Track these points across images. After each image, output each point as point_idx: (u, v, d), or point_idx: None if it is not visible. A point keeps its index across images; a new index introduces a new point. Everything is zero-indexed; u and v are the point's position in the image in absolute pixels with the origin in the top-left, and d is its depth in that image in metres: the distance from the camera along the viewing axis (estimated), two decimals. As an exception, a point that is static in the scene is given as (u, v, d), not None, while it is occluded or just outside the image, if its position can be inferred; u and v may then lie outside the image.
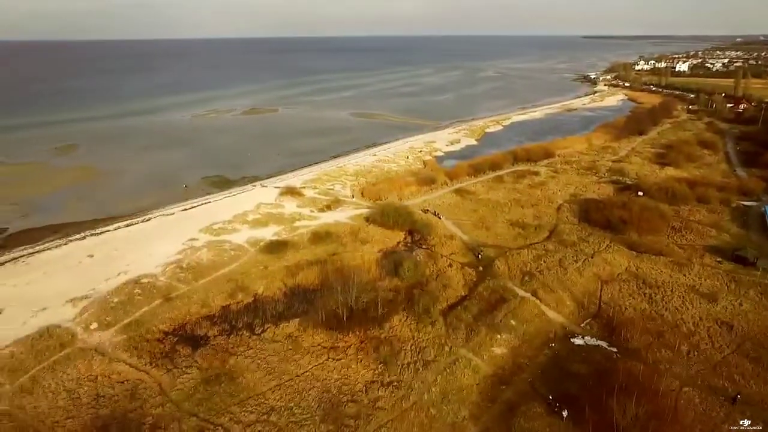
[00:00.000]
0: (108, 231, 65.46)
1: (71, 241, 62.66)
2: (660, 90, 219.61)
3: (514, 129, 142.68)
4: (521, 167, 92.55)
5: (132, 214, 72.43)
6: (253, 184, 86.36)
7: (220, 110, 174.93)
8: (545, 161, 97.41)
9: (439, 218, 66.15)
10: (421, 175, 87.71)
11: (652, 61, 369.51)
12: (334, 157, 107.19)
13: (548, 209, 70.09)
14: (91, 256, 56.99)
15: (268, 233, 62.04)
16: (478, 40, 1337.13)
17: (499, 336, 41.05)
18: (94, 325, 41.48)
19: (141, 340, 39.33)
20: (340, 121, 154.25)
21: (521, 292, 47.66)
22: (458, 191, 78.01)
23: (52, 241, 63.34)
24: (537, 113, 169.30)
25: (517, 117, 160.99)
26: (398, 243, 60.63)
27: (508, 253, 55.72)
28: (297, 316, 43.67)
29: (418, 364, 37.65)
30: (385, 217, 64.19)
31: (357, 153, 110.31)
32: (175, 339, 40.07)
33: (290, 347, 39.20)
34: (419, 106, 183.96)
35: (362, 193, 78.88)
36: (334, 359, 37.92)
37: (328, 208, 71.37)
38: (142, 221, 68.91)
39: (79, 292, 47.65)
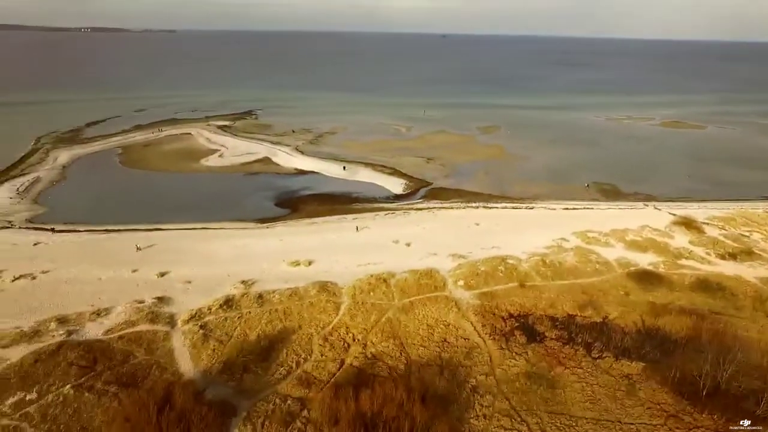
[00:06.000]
0: (496, 207, 74.59)
1: (468, 206, 74.91)
2: None
3: None
4: None
5: (520, 198, 79.65)
6: (646, 203, 78.64)
7: (636, 117, 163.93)
8: None
9: None
10: None
11: None
12: (766, 198, 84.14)
13: None
14: (478, 224, 66.56)
15: (643, 260, 56.10)
16: None
17: None
18: (461, 282, 49.15)
19: (489, 312, 44.11)
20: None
21: None
22: None
23: (455, 202, 77.53)
24: None
25: None
26: (829, 337, 43.54)
27: None
28: (644, 360, 38.71)
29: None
30: (820, 296, 46.86)
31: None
32: (516, 324, 42.90)
33: (623, 389, 35.55)
34: None
35: (794, 254, 59.55)
36: (671, 431, 32.15)
37: (732, 257, 57.72)
38: (526, 208, 74.76)
39: (459, 250, 57.04)
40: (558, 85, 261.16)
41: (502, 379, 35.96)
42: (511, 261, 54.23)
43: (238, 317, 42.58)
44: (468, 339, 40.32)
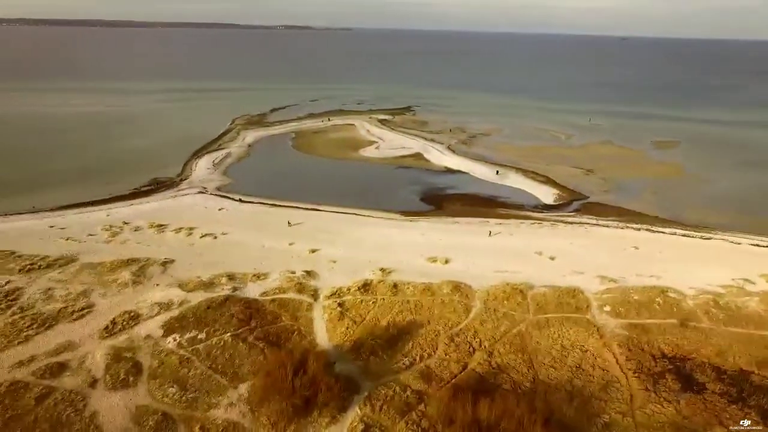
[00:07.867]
0: (662, 232, 65.84)
1: (628, 227, 67.51)
2: None
3: None
4: None
5: (694, 225, 68.94)
6: None
7: None
8: None
9: None
10: None
11: None
12: None
13: None
14: (636, 248, 59.61)
15: None
16: None
17: None
18: (607, 308, 44.67)
19: (637, 346, 39.35)
20: None
21: None
22: None
23: (612, 220, 70.55)
24: None
25: None
26: None
27: None
28: (843, 447, 30.96)
29: None
30: None
31: None
32: (669, 366, 37.57)
33: (806, 475, 28.94)
34: None
35: None
36: None
37: None
38: (701, 237, 64.55)
39: (610, 273, 51.76)
40: (759, 97, 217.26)
41: (642, 424, 31.98)
42: (672, 294, 47.53)
43: (373, 302, 44.88)
44: (607, 371, 36.63)
